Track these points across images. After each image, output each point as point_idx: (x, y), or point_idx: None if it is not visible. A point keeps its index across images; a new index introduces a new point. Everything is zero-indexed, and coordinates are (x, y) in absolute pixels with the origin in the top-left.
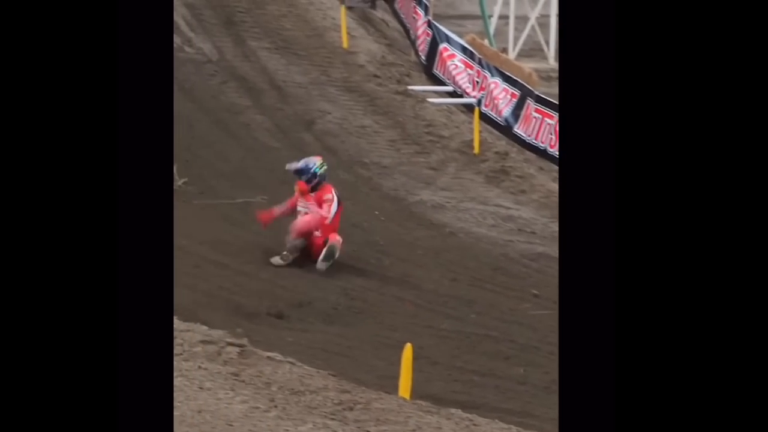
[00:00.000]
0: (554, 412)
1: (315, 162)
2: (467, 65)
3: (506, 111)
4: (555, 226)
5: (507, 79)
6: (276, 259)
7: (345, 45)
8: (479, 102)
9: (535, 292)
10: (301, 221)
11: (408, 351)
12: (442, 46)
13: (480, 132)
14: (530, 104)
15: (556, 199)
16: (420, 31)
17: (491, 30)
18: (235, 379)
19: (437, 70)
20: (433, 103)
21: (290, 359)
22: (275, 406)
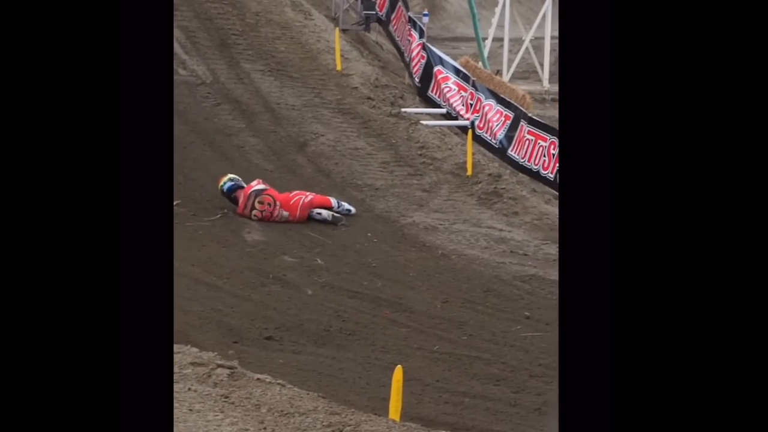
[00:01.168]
0: None
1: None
2: (461, 87)
3: (500, 133)
4: (547, 248)
5: (501, 102)
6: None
7: (339, 67)
8: (473, 124)
9: (527, 313)
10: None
11: (398, 373)
12: (437, 68)
13: (473, 154)
14: (524, 126)
15: (549, 221)
16: (414, 54)
17: (485, 52)
18: (225, 401)
19: (431, 93)
20: (426, 126)
21: (280, 381)
22: (264, 428)
